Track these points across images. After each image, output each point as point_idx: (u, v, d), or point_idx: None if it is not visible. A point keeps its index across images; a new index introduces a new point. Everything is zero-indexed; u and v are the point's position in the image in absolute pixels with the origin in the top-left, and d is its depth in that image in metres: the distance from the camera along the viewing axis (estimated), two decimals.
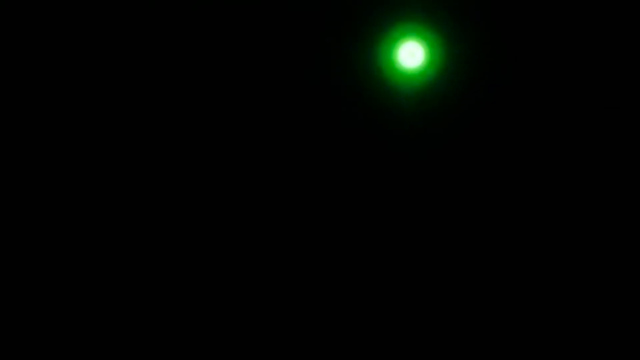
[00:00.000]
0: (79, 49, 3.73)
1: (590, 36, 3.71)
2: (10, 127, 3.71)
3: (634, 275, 3.64)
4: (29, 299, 3.66)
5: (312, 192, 3.74)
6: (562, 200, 3.71)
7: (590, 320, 3.64)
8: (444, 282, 3.71)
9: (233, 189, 3.75)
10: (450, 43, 3.69)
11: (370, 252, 3.73)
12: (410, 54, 3.69)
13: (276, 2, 3.71)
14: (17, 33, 3.72)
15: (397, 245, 3.73)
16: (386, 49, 3.70)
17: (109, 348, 3.66)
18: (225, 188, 3.75)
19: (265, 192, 3.74)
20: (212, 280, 3.71)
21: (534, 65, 3.71)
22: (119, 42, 3.73)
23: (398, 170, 3.73)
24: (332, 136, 3.73)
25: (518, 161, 3.71)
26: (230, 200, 3.74)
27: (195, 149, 3.73)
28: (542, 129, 3.71)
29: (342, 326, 3.70)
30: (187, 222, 3.73)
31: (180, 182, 3.74)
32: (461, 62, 3.70)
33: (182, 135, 3.75)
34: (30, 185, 3.71)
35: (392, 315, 3.70)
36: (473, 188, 3.73)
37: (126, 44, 3.73)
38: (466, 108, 3.72)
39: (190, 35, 3.73)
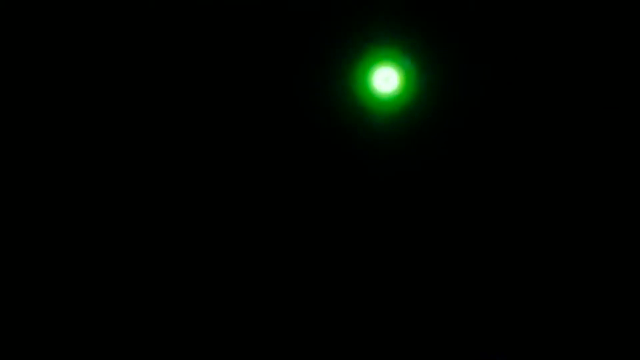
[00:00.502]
0: (79, 49, 3.75)
1: (564, 60, 3.71)
2: (10, 127, 3.76)
3: (634, 275, 3.69)
4: (29, 299, 3.73)
5: (286, 216, 3.78)
6: (536, 222, 3.75)
7: (591, 321, 3.71)
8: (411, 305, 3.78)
9: (210, 206, 3.80)
10: (425, 68, 3.71)
11: (342, 271, 3.80)
12: (385, 79, 3.71)
13: (252, 26, 3.72)
14: (17, 33, 3.74)
15: (369, 263, 3.78)
16: (361, 74, 3.72)
17: (109, 348, 3.74)
18: (201, 202, 3.80)
19: (240, 217, 3.79)
20: (210, 280, 3.78)
21: (507, 90, 3.72)
22: (118, 42, 3.75)
23: (372, 194, 3.77)
24: (307, 160, 3.76)
25: (491, 185, 3.74)
26: (206, 215, 3.80)
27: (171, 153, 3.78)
28: (515, 152, 3.73)
29: (339, 327, 3.77)
30: (174, 221, 3.78)
31: (166, 181, 3.78)
32: (435, 87, 3.71)
33: (163, 135, 3.79)
34: (30, 186, 3.76)
35: (377, 330, 3.78)
36: (446, 211, 3.77)
37: (123, 43, 3.74)
38: (440, 132, 3.74)
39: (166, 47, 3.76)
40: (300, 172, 3.77)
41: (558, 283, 3.72)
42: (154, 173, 3.77)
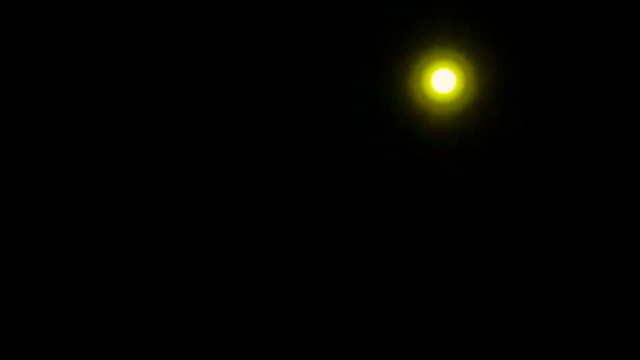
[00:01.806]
0: (79, 49, 3.76)
1: (613, 56, 3.74)
2: (10, 127, 3.74)
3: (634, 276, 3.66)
4: (29, 299, 3.66)
5: (339, 217, 3.76)
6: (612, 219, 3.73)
7: (590, 321, 3.65)
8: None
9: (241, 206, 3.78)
10: (482, 69, 3.73)
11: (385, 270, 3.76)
12: (443, 80, 3.73)
13: (310, 28, 3.76)
14: (17, 33, 3.75)
15: (426, 257, 3.75)
16: (419, 75, 3.74)
17: (109, 348, 3.67)
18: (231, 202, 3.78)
19: (286, 216, 3.77)
20: (212, 280, 3.72)
21: (566, 91, 3.74)
22: (121, 42, 3.76)
23: (429, 196, 3.76)
24: (365, 162, 3.76)
25: (549, 187, 3.73)
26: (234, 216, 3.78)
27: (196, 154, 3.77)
28: (573, 155, 3.73)
29: (341, 327, 3.71)
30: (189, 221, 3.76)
31: (183, 183, 3.77)
32: (493, 88, 3.73)
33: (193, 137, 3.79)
34: (30, 186, 3.73)
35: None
36: (503, 213, 3.74)
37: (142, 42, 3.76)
38: (498, 133, 3.75)
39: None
40: (356, 174, 3.76)
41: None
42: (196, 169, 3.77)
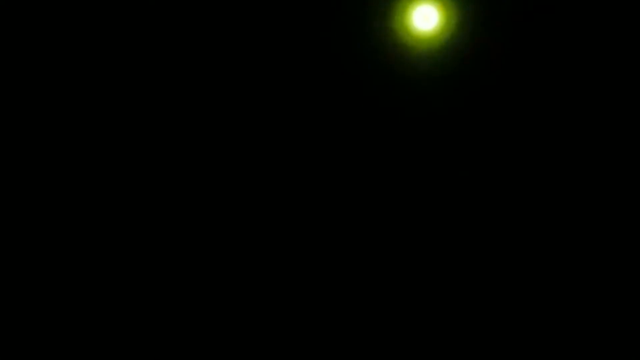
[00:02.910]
0: (79, 49, 3.75)
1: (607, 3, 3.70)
2: (10, 127, 3.74)
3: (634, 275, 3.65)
4: (29, 299, 3.68)
5: (324, 158, 3.76)
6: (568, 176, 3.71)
7: (590, 320, 3.65)
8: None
9: (241, 155, 3.79)
10: (464, 6, 3.70)
11: (380, 223, 3.76)
12: (425, 17, 3.70)
13: None
14: (17, 33, 3.74)
15: (406, 212, 3.75)
16: (400, 12, 3.71)
17: (108, 348, 3.70)
18: (236, 156, 3.79)
19: (275, 158, 3.78)
20: (213, 280, 3.75)
21: (550, 28, 3.70)
22: (123, 41, 3.76)
23: (411, 133, 3.75)
24: (347, 100, 3.75)
25: (528, 127, 3.71)
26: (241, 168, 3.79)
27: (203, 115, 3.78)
28: (553, 95, 3.71)
29: (344, 325, 3.73)
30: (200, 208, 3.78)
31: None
32: (475, 25, 3.70)
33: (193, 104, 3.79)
34: (30, 186, 3.74)
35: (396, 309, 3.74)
36: (483, 152, 3.73)
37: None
38: (479, 71, 3.72)
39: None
40: (338, 113, 3.75)
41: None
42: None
